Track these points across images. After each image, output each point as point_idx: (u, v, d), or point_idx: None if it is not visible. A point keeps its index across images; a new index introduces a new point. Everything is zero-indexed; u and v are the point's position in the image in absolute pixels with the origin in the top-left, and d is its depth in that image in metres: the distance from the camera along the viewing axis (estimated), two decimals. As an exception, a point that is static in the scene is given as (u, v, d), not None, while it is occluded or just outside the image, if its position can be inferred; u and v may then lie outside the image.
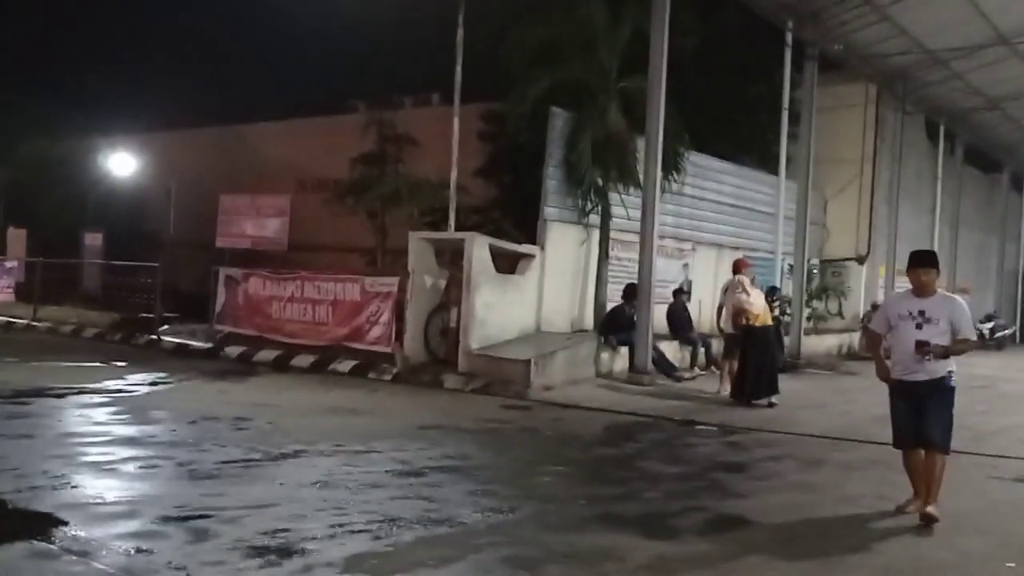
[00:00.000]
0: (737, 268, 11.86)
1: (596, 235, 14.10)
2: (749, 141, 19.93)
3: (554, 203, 13.63)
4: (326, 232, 20.66)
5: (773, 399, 11.08)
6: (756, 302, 11.13)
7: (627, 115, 13.88)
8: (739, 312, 11.20)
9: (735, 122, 19.67)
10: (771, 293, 14.97)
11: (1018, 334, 30.55)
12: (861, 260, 21.90)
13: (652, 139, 12.74)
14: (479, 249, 12.26)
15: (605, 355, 13.00)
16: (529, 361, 11.53)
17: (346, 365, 12.94)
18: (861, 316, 21.02)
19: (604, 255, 14.03)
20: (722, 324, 12.22)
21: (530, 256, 13.28)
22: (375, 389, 11.45)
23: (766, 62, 18.98)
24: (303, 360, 13.37)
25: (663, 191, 13.73)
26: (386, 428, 8.60)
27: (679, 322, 14.45)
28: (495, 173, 19.28)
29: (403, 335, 12.65)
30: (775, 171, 18.87)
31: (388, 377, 12.36)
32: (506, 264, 13.31)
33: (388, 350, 12.72)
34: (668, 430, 9.40)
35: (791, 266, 18.23)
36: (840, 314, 21.32)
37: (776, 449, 8.48)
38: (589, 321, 14.17)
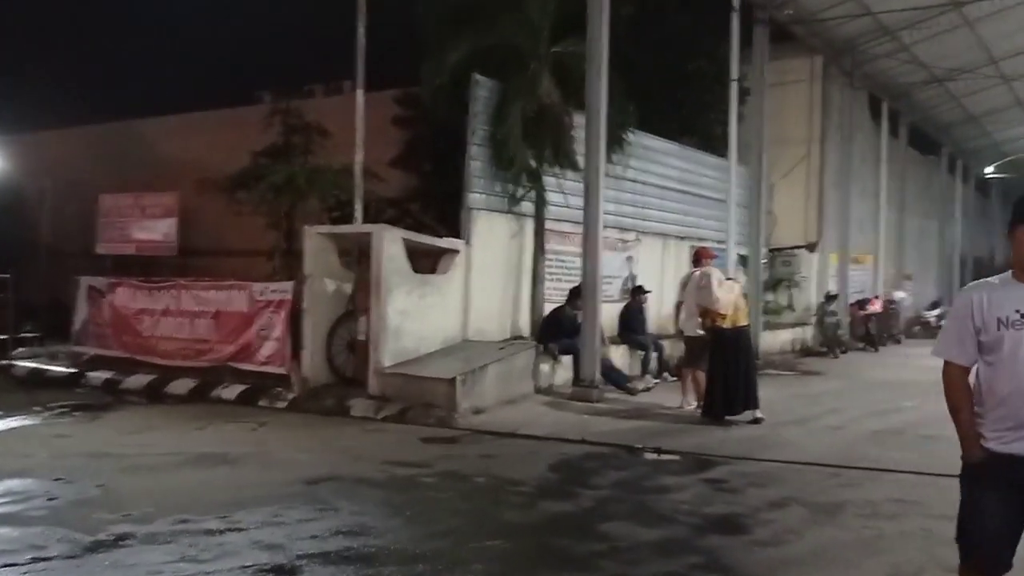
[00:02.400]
0: (699, 258, 9.98)
1: (530, 226, 12.10)
2: (691, 120, 18.20)
3: (480, 188, 11.57)
4: (231, 235, 18.28)
5: (758, 414, 9.23)
6: (725, 299, 9.25)
7: (562, 87, 11.90)
8: (705, 312, 9.31)
9: (676, 100, 17.94)
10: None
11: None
12: (811, 248, 20.39)
13: (594, 111, 10.77)
14: (390, 244, 10.12)
15: (545, 366, 11.02)
16: (454, 379, 9.45)
17: (232, 391, 10.65)
18: (813, 309, 19.53)
19: (540, 248, 12.03)
20: (681, 325, 10.33)
21: (453, 252, 11.19)
22: (262, 422, 9.20)
23: (708, 34, 17.33)
24: (181, 386, 11.03)
25: (606, 173, 11.83)
26: (261, 485, 6.40)
27: (634, 324, 12.57)
28: (414, 162, 17.08)
29: (301, 352, 10.43)
30: (719, 153, 17.24)
31: (282, 404, 10.14)
32: (428, 264, 11.22)
33: (283, 371, 10.49)
34: (631, 465, 7.42)
35: (741, 257, 16.58)
36: (791, 306, 19.78)
37: (773, 489, 6.57)
38: (526, 326, 12.15)
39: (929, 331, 25.07)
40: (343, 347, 10.63)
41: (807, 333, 19.28)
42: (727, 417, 9.19)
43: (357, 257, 11.06)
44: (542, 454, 7.74)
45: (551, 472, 7.08)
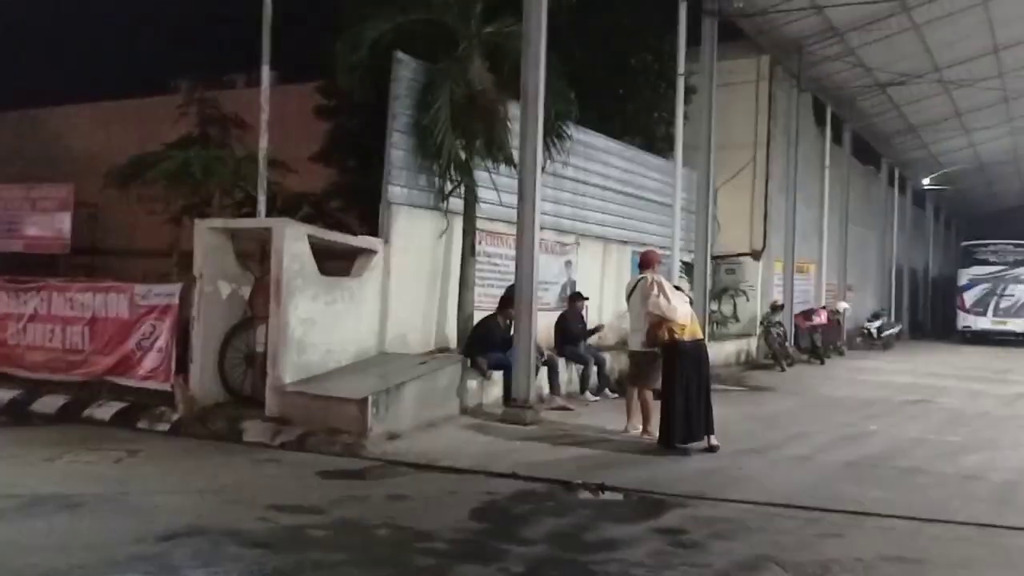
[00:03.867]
0: (648, 262, 8.82)
1: (460, 225, 10.82)
2: (635, 119, 17.17)
3: (402, 181, 10.25)
4: (142, 234, 16.64)
5: (713, 440, 8.10)
6: (681, 308, 8.10)
7: (496, 72, 10.67)
8: (658, 323, 8.14)
9: (619, 96, 16.90)
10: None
11: (906, 331, 29.60)
12: (756, 256, 19.54)
13: (531, 98, 9.53)
14: (293, 241, 8.73)
15: (473, 383, 9.74)
16: (365, 400, 8.10)
17: (108, 410, 9.11)
18: (759, 318, 18.64)
19: (470, 250, 10.75)
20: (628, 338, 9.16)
21: (370, 252, 9.85)
22: (133, 450, 7.70)
23: (654, 27, 16.34)
24: (50, 403, 9.45)
25: (543, 170, 10.65)
26: (97, 545, 4.97)
27: (572, 334, 11.39)
28: (338, 156, 15.66)
29: (189, 366, 8.96)
30: (663, 154, 16.25)
31: (164, 427, 8.66)
32: (345, 267, 9.87)
33: (167, 387, 9.00)
34: (570, 508, 6.18)
35: (685, 264, 15.57)
36: (736, 317, 18.86)
37: (743, 542, 5.39)
38: (453, 337, 10.85)
39: (870, 343, 24.63)
40: (239, 360, 9.20)
41: (752, 344, 18.41)
42: (680, 445, 8.03)
43: (259, 257, 9.66)
44: (464, 493, 6.46)
45: (473, 520, 5.78)
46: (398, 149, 10.15)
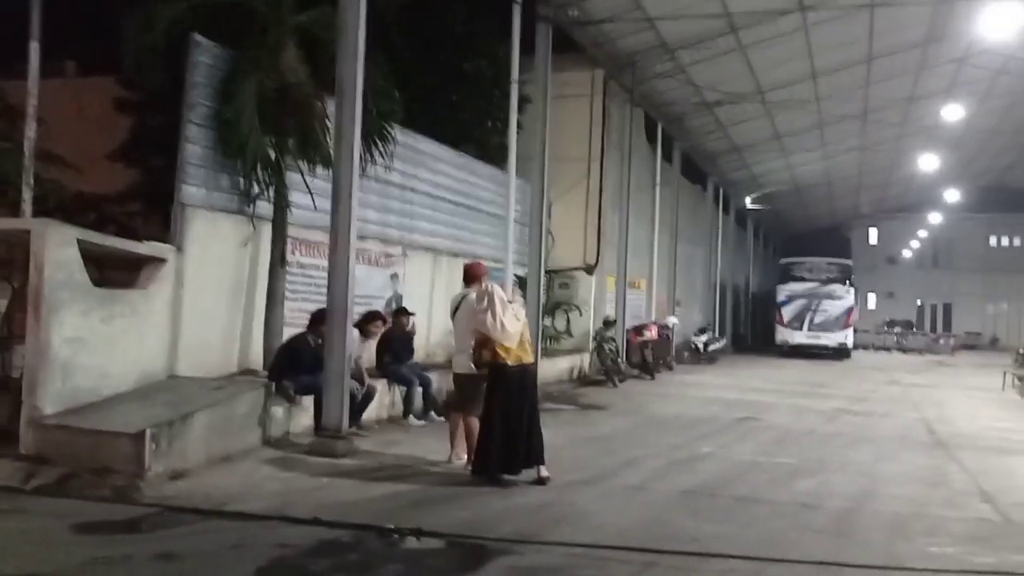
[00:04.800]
0: (474, 276, 8.06)
1: (268, 231, 9.69)
2: (469, 128, 16.52)
3: (199, 181, 9.04)
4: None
5: (543, 471, 7.40)
6: (513, 327, 7.39)
7: (312, 64, 9.66)
8: (483, 341, 7.39)
9: (452, 103, 16.21)
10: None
11: (729, 345, 30.55)
12: (590, 271, 19.33)
13: (348, 93, 8.58)
14: (58, 247, 7.36)
15: (279, 409, 8.62)
16: (143, 433, 6.86)
17: None
18: (592, 334, 18.39)
19: (280, 260, 9.64)
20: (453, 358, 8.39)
21: (158, 261, 8.56)
22: None
23: (488, 32, 15.81)
24: None
25: (364, 172, 9.75)
26: None
27: (396, 353, 10.49)
28: (139, 154, 14.09)
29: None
30: (498, 164, 15.68)
31: None
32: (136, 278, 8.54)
33: None
34: (379, 562, 5.27)
35: (518, 277, 15.04)
36: (569, 332, 18.54)
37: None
38: (259, 358, 9.67)
39: (697, 357, 25.14)
40: (-9, 388, 7.70)
41: (585, 360, 18.13)
42: (505, 476, 7.30)
43: (21, 264, 8.17)
44: (252, 548, 5.42)
45: (254, 587, 4.79)
46: (195, 144, 8.93)
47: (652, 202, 22.29)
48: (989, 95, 24.10)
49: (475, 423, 7.72)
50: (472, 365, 7.54)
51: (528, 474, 7.37)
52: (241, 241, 9.57)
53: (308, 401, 8.83)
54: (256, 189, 9.45)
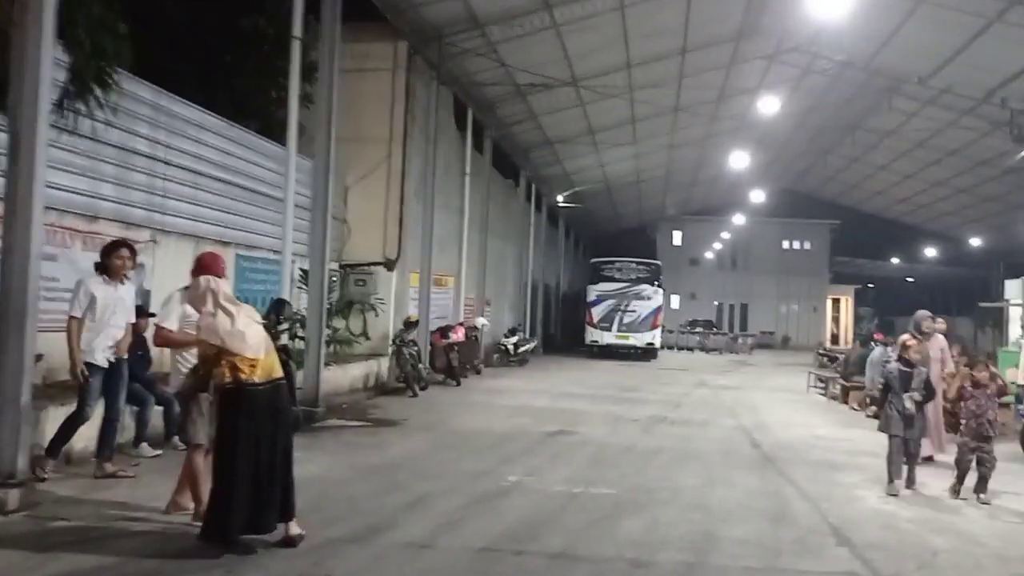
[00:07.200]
0: (206, 266, 5.92)
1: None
2: (249, 100, 14.20)
3: None
4: None
5: (293, 527, 5.43)
6: (255, 336, 5.37)
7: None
8: (214, 356, 5.31)
9: (227, 67, 13.84)
10: (276, 309, 9.35)
11: (540, 346, 29.56)
12: (390, 266, 17.39)
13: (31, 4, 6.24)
14: None
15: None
16: None
17: None
18: (391, 336, 16.48)
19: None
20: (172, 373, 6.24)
21: None
22: None
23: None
24: None
25: (75, 127, 7.37)
26: None
27: (131, 365, 8.11)
28: None
29: None
30: (283, 141, 13.46)
31: None
32: None
33: None
34: None
35: (304, 272, 12.94)
36: (365, 334, 16.51)
37: None
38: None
39: (507, 359, 23.81)
40: None
41: (383, 366, 16.18)
42: (242, 536, 5.28)
43: None
44: None
45: None
46: None
47: (461, 193, 20.66)
48: (794, 93, 24.39)
49: (200, 460, 5.65)
50: (191, 383, 5.45)
51: (275, 535, 5.39)
52: None
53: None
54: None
